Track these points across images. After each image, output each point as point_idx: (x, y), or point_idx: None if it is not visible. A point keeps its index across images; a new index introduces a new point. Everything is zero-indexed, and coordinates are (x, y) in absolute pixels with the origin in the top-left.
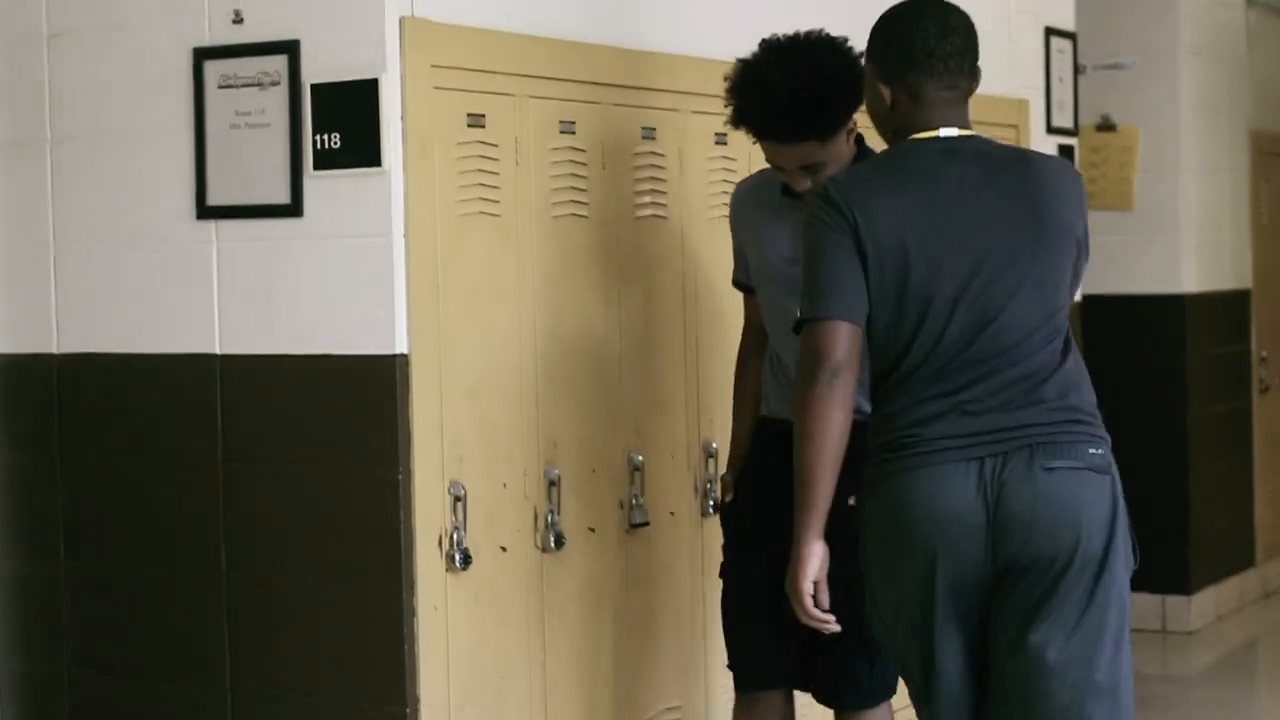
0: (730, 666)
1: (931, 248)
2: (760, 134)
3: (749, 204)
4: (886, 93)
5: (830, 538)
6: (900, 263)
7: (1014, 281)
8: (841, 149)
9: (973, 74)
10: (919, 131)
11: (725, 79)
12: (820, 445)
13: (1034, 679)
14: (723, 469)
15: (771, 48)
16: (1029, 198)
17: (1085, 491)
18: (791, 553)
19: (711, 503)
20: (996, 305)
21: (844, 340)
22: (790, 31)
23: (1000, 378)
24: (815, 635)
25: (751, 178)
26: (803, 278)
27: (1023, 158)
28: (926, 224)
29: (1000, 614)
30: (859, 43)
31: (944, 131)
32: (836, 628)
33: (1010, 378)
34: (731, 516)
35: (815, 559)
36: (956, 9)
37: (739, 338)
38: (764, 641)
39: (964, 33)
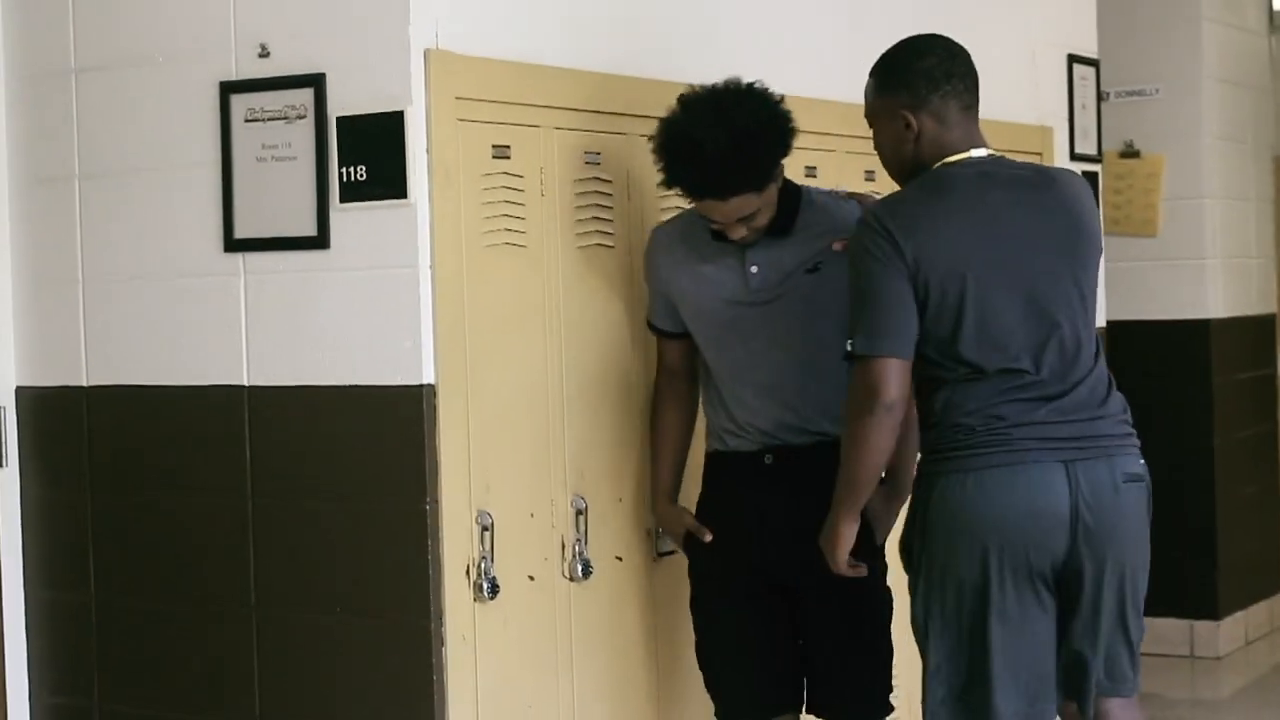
0: (724, 703)
1: (988, 267)
2: (696, 195)
3: (677, 249)
4: (912, 120)
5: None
6: (960, 284)
7: (1064, 296)
8: (772, 195)
9: (978, 94)
10: (949, 154)
11: (649, 139)
12: (872, 470)
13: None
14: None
15: (694, 105)
16: (1064, 215)
17: (1142, 504)
18: (829, 527)
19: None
20: (1053, 319)
21: (897, 378)
22: (709, 85)
23: (1072, 388)
24: (822, 654)
25: (673, 221)
26: (853, 309)
27: (1048, 177)
28: (980, 244)
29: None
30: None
31: (974, 153)
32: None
33: (1080, 388)
34: (706, 552)
35: (852, 536)
36: (950, 39)
37: None
38: (766, 669)
39: (966, 58)
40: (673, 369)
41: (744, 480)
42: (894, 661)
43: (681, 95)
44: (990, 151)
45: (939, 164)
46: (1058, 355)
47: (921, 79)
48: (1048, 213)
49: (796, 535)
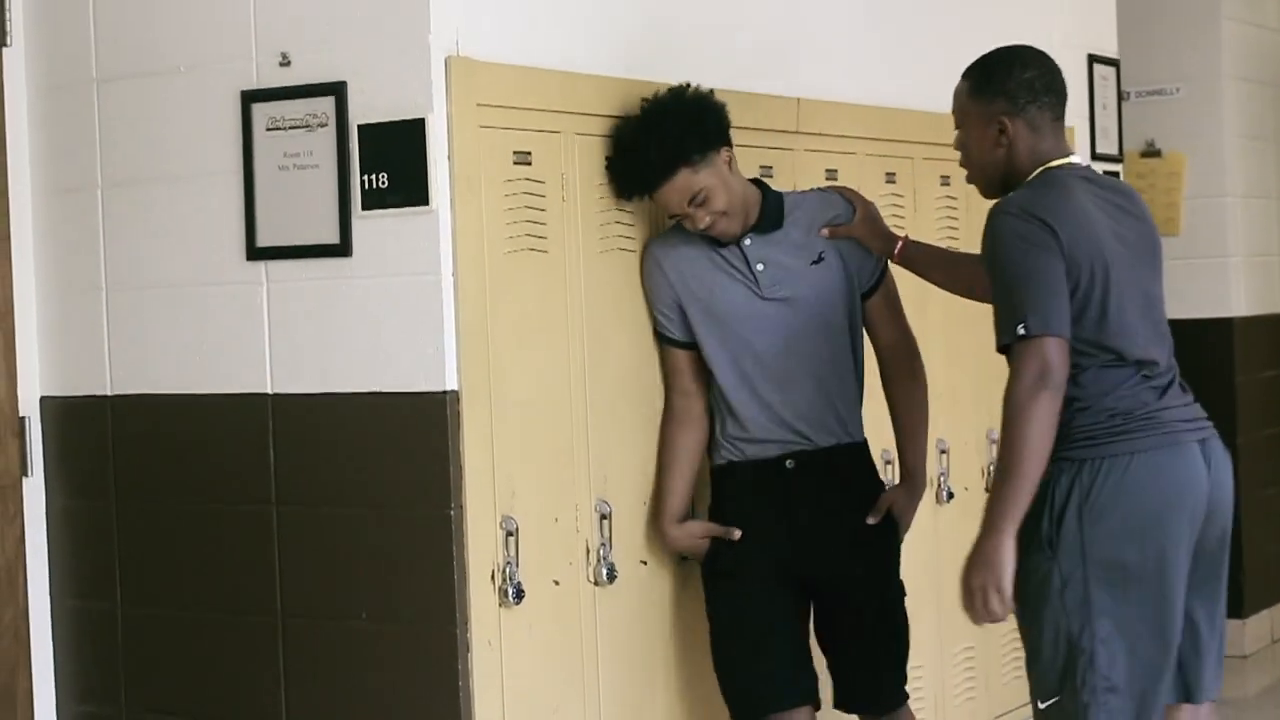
0: (743, 700)
1: (1117, 262)
2: (639, 187)
3: (681, 257)
4: (1009, 126)
5: (861, 545)
6: (1104, 274)
7: (1159, 298)
8: (725, 176)
9: (1066, 107)
10: (1050, 160)
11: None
12: (1040, 454)
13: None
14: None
15: (619, 123)
16: (1148, 225)
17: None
18: (983, 548)
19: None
20: (1157, 316)
21: (1063, 356)
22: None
23: (1175, 375)
24: (855, 649)
25: (667, 235)
26: (1012, 293)
27: (1128, 188)
28: (1108, 240)
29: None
30: None
31: (1074, 159)
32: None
33: (1177, 376)
34: (727, 556)
35: (1013, 555)
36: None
37: None
38: (788, 660)
39: (1061, 74)
40: (684, 388)
41: (765, 487)
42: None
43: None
44: (1080, 160)
45: (1044, 168)
46: (1166, 349)
47: (1023, 89)
48: (1138, 220)
49: (834, 535)
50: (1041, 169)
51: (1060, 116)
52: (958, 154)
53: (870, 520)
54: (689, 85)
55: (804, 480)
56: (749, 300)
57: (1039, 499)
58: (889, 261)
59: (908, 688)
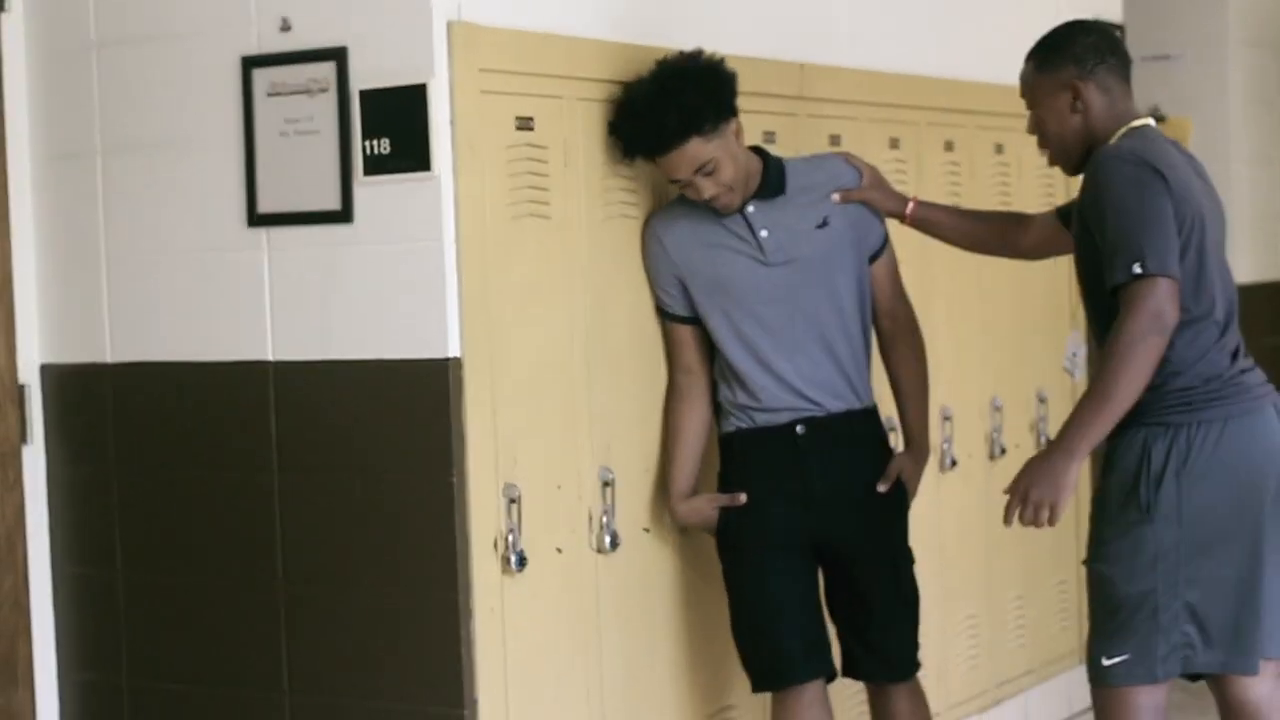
0: (763, 671)
1: (1205, 219)
2: (647, 150)
3: (681, 229)
4: (1081, 88)
5: (871, 512)
6: (1201, 229)
7: (1225, 259)
8: (732, 147)
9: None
10: (1130, 120)
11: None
12: (1136, 393)
13: None
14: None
15: (630, 84)
16: (1214, 189)
17: None
18: (1053, 465)
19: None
20: (1229, 277)
21: (1175, 300)
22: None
23: (1240, 340)
24: (870, 615)
25: (667, 207)
26: (1126, 232)
27: (1193, 155)
28: (1198, 197)
29: None
30: None
31: (1150, 122)
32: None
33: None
34: (738, 526)
35: (1076, 479)
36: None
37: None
38: (804, 633)
39: (1120, 39)
40: (687, 364)
41: (777, 453)
42: None
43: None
44: None
45: (1129, 126)
46: (1235, 314)
47: (1089, 52)
48: (1210, 187)
49: (846, 501)
50: (1126, 129)
51: (1127, 79)
52: (1025, 136)
53: (880, 488)
54: (702, 51)
55: (814, 446)
56: (753, 268)
57: (1134, 462)
58: (900, 222)
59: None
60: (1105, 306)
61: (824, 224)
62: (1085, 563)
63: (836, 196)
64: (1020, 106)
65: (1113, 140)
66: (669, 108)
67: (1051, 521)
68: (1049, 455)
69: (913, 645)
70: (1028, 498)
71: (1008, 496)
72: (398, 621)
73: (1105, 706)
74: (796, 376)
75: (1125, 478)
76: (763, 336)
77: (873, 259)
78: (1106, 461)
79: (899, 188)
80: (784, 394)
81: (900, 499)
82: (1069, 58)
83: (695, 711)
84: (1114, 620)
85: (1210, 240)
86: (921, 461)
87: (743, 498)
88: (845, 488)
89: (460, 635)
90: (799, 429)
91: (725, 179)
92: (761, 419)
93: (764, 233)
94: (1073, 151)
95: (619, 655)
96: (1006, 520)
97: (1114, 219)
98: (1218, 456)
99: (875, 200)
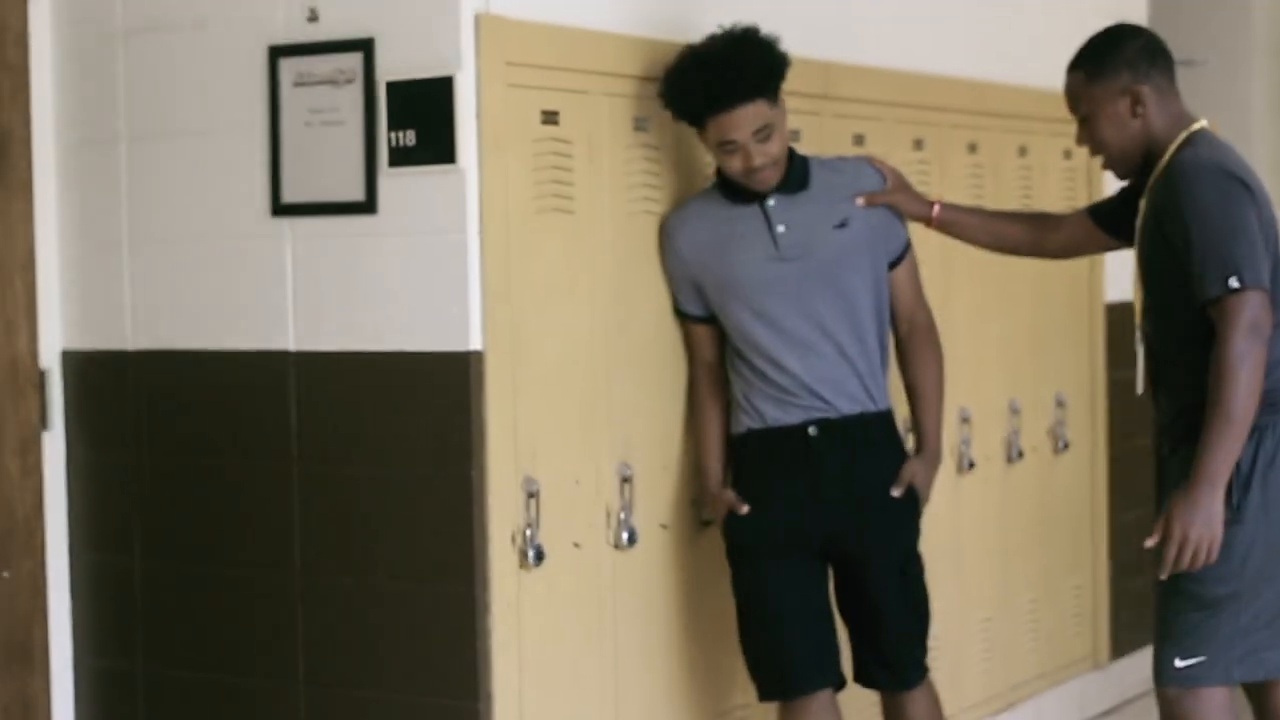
0: (769, 680)
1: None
2: (713, 105)
3: (696, 229)
4: (1142, 93)
5: (882, 516)
6: (1275, 234)
7: None
8: (785, 122)
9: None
10: (1186, 124)
11: (659, 88)
12: (1255, 405)
13: None
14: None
15: (696, 44)
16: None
17: None
18: (1202, 502)
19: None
20: None
21: (1269, 309)
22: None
23: None
24: (877, 621)
25: (683, 206)
26: (1218, 245)
27: None
28: (1271, 200)
29: None
30: None
31: (1205, 122)
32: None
33: None
34: (749, 529)
35: (1222, 507)
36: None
37: None
38: (813, 641)
39: (1163, 41)
40: (706, 360)
41: (789, 454)
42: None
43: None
44: None
45: (1190, 131)
46: None
47: (1141, 56)
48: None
49: (858, 504)
50: (1188, 133)
51: (1174, 81)
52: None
53: (894, 493)
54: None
55: (826, 448)
56: (765, 264)
57: None
58: (926, 226)
59: (928, 661)
60: (1182, 316)
61: (843, 225)
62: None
63: (861, 200)
64: (1047, 111)
65: (1175, 144)
66: (748, 62)
67: (1211, 558)
68: (1195, 495)
69: (920, 653)
70: (1187, 539)
71: (1162, 546)
72: (414, 614)
73: (1175, 709)
74: (808, 374)
75: None
76: (773, 334)
77: (893, 264)
78: (1186, 466)
79: (921, 189)
80: (795, 392)
81: (912, 505)
82: (1122, 63)
83: (709, 709)
84: (1193, 622)
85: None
86: (934, 467)
87: (745, 508)
88: (857, 491)
89: (476, 629)
90: (811, 430)
91: (775, 150)
92: (773, 418)
93: (781, 228)
94: (1133, 157)
95: (634, 651)
96: (1166, 572)
97: (1202, 231)
98: None
99: (900, 203)
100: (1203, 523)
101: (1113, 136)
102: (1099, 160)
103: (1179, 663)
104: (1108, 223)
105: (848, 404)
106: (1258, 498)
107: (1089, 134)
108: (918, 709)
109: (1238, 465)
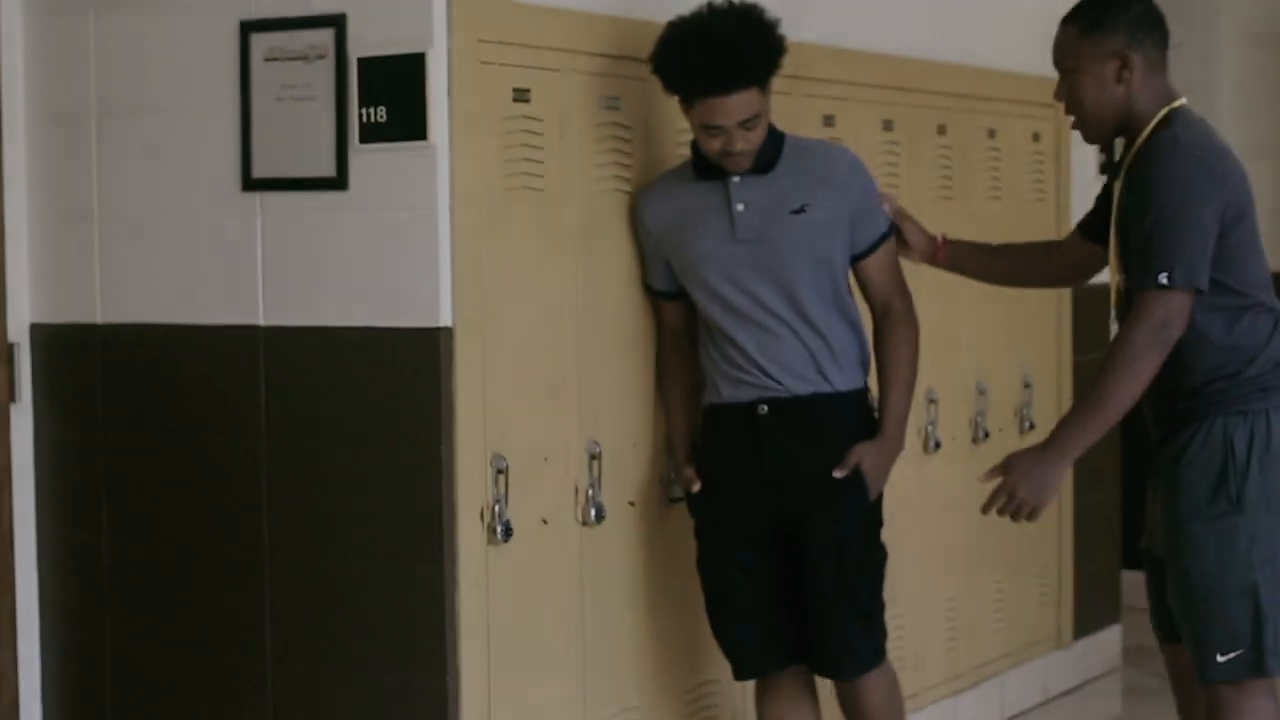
0: (734, 660)
1: (1253, 205)
2: (705, 89)
3: (663, 205)
4: (1132, 58)
5: (826, 495)
6: (1253, 220)
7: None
8: (770, 108)
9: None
10: (1168, 100)
11: (650, 57)
12: (1129, 403)
13: None
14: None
15: (695, 12)
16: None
17: None
18: (1044, 469)
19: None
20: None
21: (1186, 313)
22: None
23: None
24: (810, 607)
25: (654, 182)
26: (1164, 237)
27: None
28: (1247, 181)
29: None
30: None
31: (1185, 100)
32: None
33: None
34: (703, 507)
35: (1062, 482)
36: None
37: None
38: (758, 626)
39: (1162, 13)
40: (674, 333)
41: (740, 432)
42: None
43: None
44: None
45: (1172, 108)
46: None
47: (1140, 23)
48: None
49: (801, 484)
50: (1168, 109)
51: (1165, 57)
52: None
53: (836, 474)
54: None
55: (774, 427)
56: (721, 243)
57: (1219, 454)
58: (931, 264)
59: (892, 658)
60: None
61: (800, 210)
62: (1155, 555)
63: (889, 207)
64: (1017, 93)
65: (1154, 122)
66: (752, 50)
67: (1030, 519)
68: (1041, 457)
69: (861, 644)
70: (1014, 494)
71: (989, 483)
72: (382, 590)
73: (1222, 706)
74: (758, 353)
75: (1209, 471)
76: (726, 312)
77: (864, 255)
78: (1182, 454)
79: (891, 171)
80: (747, 371)
81: (856, 489)
82: (1120, 25)
83: (678, 684)
84: (1218, 615)
85: (1254, 227)
86: (888, 453)
87: (696, 486)
88: (801, 471)
89: (444, 605)
90: (761, 408)
91: (756, 139)
92: (727, 394)
93: (740, 206)
94: (1109, 123)
95: (602, 627)
96: (985, 509)
97: (1156, 216)
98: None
99: (909, 232)
100: (1035, 485)
101: (1092, 97)
102: (1070, 121)
103: (1220, 658)
104: (1095, 231)
105: (800, 384)
106: (1258, 486)
107: (1068, 90)
108: (864, 698)
109: (1232, 453)
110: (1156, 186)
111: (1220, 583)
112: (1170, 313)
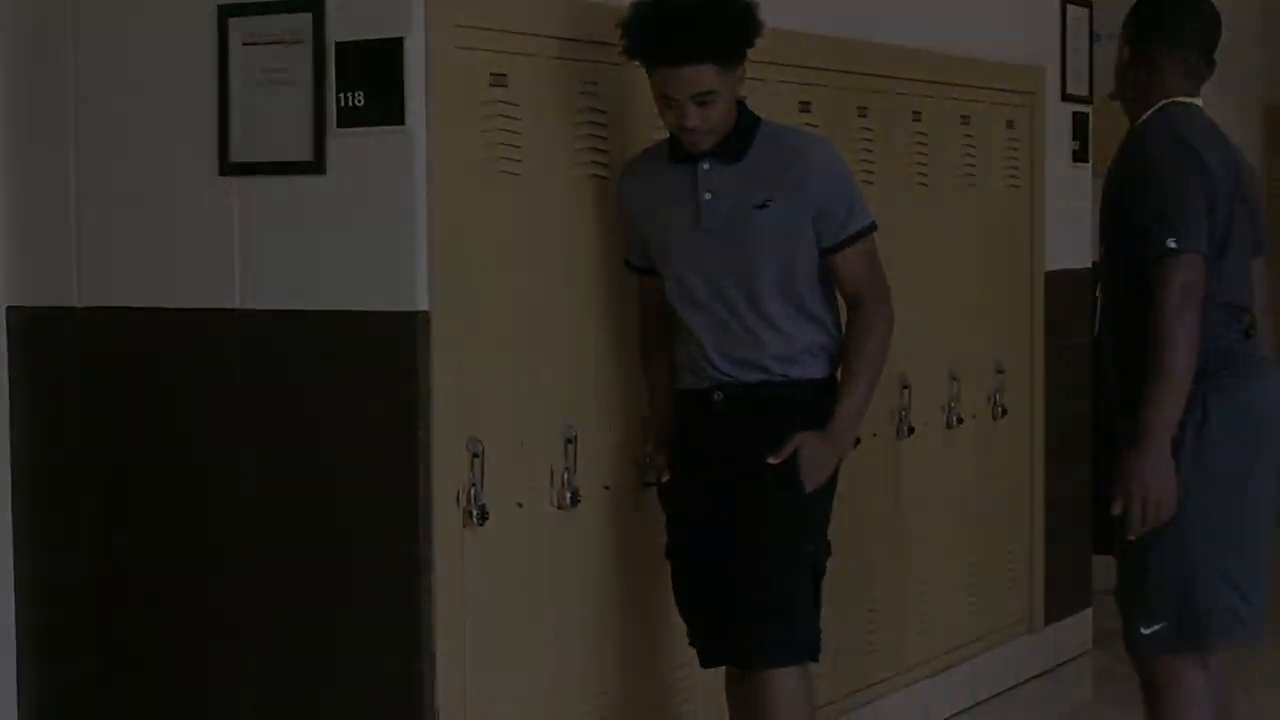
0: (691, 644)
1: (1236, 203)
2: (657, 56)
3: (642, 183)
4: (1165, 59)
5: (755, 483)
6: (1229, 208)
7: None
8: (733, 90)
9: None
10: (1186, 97)
11: (622, 17)
12: (1190, 362)
13: None
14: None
15: None
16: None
17: None
18: (1150, 463)
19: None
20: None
21: (1203, 273)
22: None
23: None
24: (728, 597)
25: (637, 158)
26: (1163, 208)
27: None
28: (1234, 180)
29: None
30: None
31: (1199, 102)
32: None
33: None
34: (664, 494)
35: (1171, 463)
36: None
37: None
38: (705, 615)
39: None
40: (652, 310)
41: (696, 419)
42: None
43: None
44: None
45: (1172, 100)
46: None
47: (1199, 32)
48: (1248, 164)
49: (736, 471)
50: (1164, 102)
51: (1211, 63)
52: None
53: (771, 460)
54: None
55: (729, 415)
56: (686, 229)
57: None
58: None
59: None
60: (1123, 279)
61: (764, 205)
62: (1118, 544)
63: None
64: (991, 80)
65: (1149, 113)
66: (705, 23)
67: (1171, 512)
68: (1141, 456)
69: (774, 634)
70: (1147, 498)
71: (1119, 510)
72: (358, 572)
73: (1150, 682)
74: (713, 346)
75: None
76: (685, 300)
77: (831, 250)
78: (1126, 440)
79: (865, 157)
80: (706, 357)
81: (788, 476)
82: (1164, 24)
83: (654, 667)
84: (1148, 588)
85: (1237, 228)
86: (831, 445)
87: (665, 476)
88: (737, 456)
89: (420, 588)
90: (716, 396)
91: (714, 117)
92: (687, 380)
93: (707, 195)
94: (1137, 110)
95: (578, 611)
96: (1132, 533)
97: (1150, 190)
98: (1231, 413)
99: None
100: (1155, 479)
101: (1129, 95)
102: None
103: (1144, 630)
104: None
105: (750, 374)
106: (1190, 461)
107: (1127, 68)
108: (759, 698)
109: (1182, 433)
110: (1145, 167)
111: (1157, 553)
112: (1189, 274)
